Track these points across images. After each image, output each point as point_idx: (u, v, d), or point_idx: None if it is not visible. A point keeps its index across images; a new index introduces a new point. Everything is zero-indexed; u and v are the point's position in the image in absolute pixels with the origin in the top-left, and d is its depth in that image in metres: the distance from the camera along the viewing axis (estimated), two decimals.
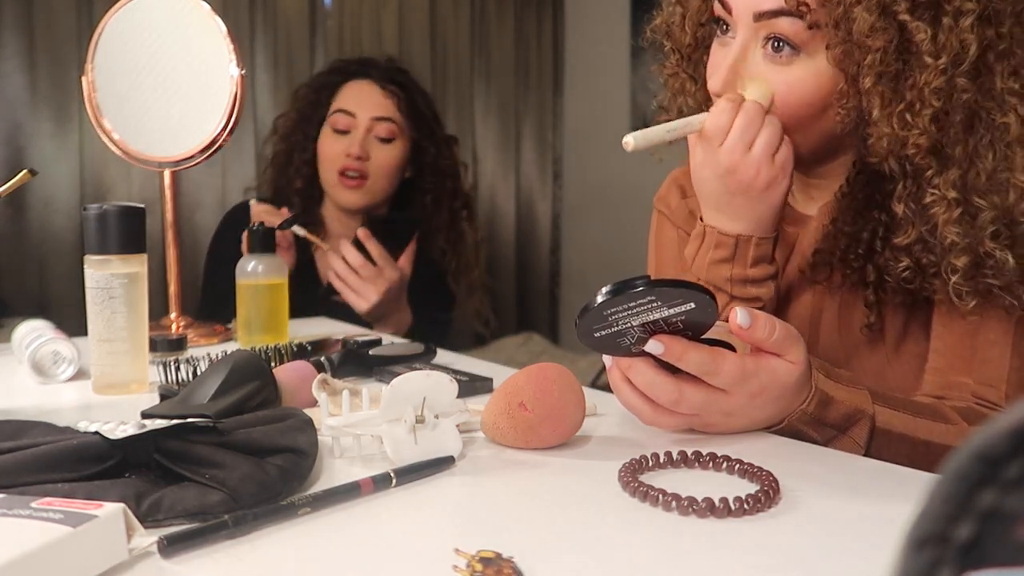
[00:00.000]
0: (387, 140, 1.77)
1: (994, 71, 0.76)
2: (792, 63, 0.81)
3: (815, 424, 0.71)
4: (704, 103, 0.95)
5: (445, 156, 1.87)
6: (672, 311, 0.63)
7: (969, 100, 0.75)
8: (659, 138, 0.83)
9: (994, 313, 0.80)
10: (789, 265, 0.93)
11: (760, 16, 0.80)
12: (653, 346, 0.65)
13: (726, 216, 0.84)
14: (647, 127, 0.84)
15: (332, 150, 1.76)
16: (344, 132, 1.76)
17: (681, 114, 0.97)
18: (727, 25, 0.85)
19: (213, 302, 1.60)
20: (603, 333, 0.65)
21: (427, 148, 1.83)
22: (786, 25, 0.79)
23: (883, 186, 0.83)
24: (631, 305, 0.62)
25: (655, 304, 0.62)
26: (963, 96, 0.75)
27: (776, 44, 0.81)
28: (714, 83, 0.85)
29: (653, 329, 0.65)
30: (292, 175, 1.81)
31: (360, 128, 1.75)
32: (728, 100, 0.81)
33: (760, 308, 0.85)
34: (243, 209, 1.89)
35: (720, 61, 0.84)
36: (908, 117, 0.76)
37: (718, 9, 0.85)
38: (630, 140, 0.82)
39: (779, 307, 0.93)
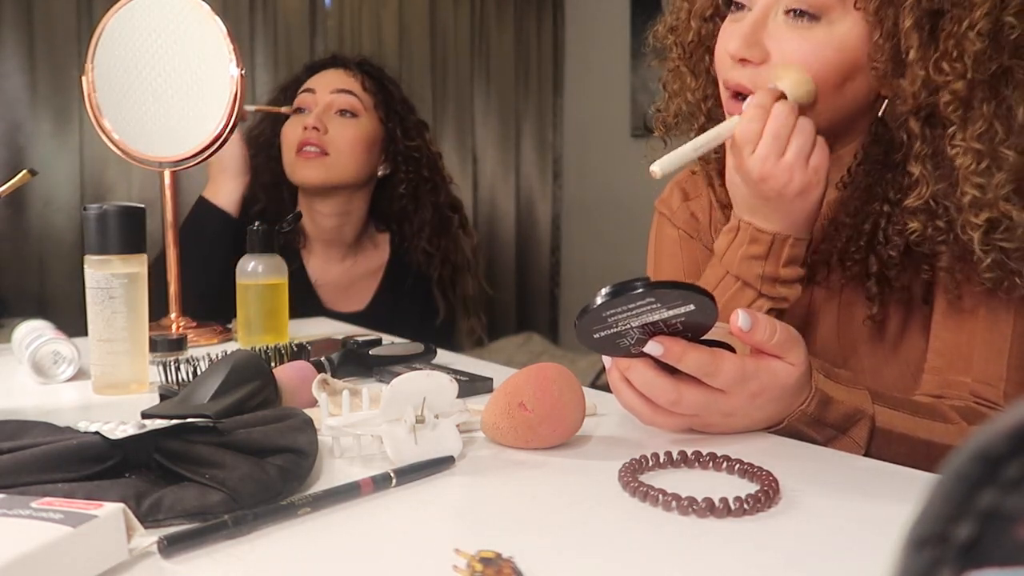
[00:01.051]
0: (348, 114, 1.66)
1: None
2: (810, 29, 0.81)
3: (815, 424, 0.71)
4: (703, 100, 0.94)
5: (413, 139, 1.73)
6: (671, 312, 0.63)
7: (1018, 39, 0.75)
8: (687, 158, 0.81)
9: (992, 310, 0.80)
10: None
11: None
12: (652, 347, 0.65)
13: (760, 217, 0.83)
14: (671, 149, 0.81)
15: (290, 129, 1.66)
16: (305, 111, 1.66)
17: (680, 113, 0.97)
18: (740, 4, 0.85)
19: (194, 301, 1.56)
20: (602, 334, 0.65)
21: (394, 131, 1.71)
22: None
23: (885, 174, 0.83)
24: (630, 307, 0.62)
25: (654, 306, 0.62)
26: (1011, 35, 0.74)
27: (796, 12, 0.81)
28: (734, 44, 0.83)
29: (652, 330, 0.65)
30: (259, 171, 1.69)
31: (320, 103, 1.65)
32: (757, 106, 0.80)
33: (784, 309, 0.84)
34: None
35: (735, 29, 0.84)
36: (945, 65, 0.75)
37: None
38: (656, 169, 0.80)
39: None
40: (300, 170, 1.65)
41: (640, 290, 0.61)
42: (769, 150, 0.79)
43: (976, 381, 0.80)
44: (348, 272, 1.74)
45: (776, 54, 0.82)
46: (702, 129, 0.96)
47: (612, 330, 0.64)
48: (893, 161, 0.83)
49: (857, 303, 0.88)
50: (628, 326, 0.64)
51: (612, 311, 0.63)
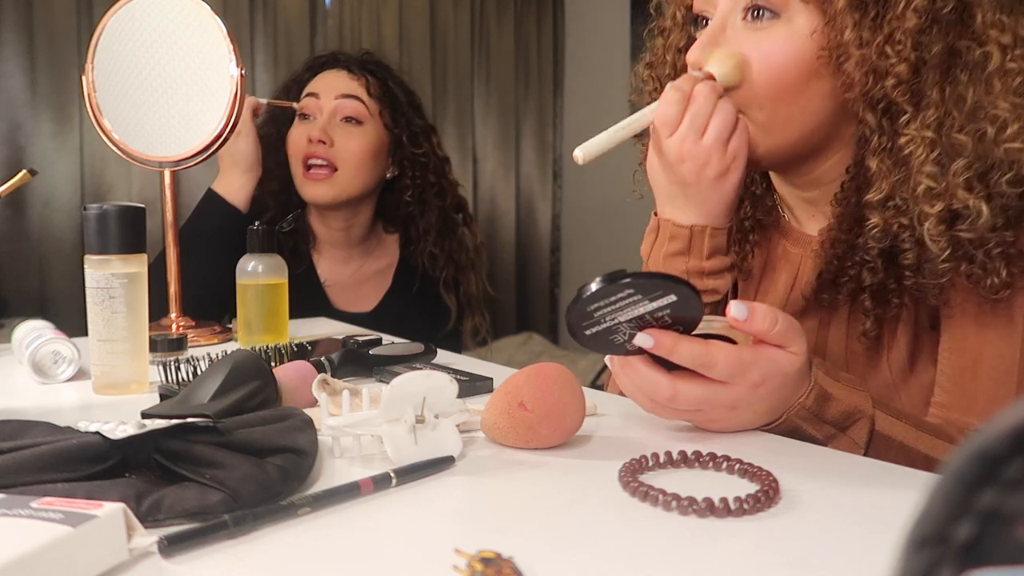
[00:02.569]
0: (355, 122, 1.63)
1: (975, 4, 0.75)
2: (770, 27, 0.80)
3: (814, 420, 0.71)
4: None
5: (420, 145, 1.70)
6: (656, 304, 0.63)
7: (951, 15, 0.74)
8: (610, 141, 0.81)
9: (997, 347, 0.78)
10: (793, 291, 0.92)
11: None
12: (643, 339, 0.65)
13: (679, 208, 0.84)
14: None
15: (296, 137, 1.64)
16: (309, 118, 1.64)
17: None
18: (706, 19, 0.85)
19: (193, 295, 1.54)
20: (594, 331, 0.65)
21: (400, 137, 1.68)
22: None
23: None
24: (612, 299, 0.62)
25: (636, 297, 0.62)
26: (944, 9, 0.74)
27: (756, 12, 0.80)
28: (693, 54, 0.83)
29: (642, 324, 0.65)
30: (266, 177, 1.67)
31: (324, 111, 1.62)
32: (676, 89, 0.80)
33: (717, 300, 0.85)
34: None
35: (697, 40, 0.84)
36: (888, 49, 0.75)
37: (698, 3, 0.85)
38: (579, 154, 0.81)
39: None
40: (309, 189, 1.64)
41: (620, 281, 0.61)
42: (688, 131, 0.79)
43: (981, 420, 0.79)
44: (357, 272, 1.74)
45: None
46: None
47: (602, 326, 0.64)
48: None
49: (859, 328, 0.87)
50: (616, 321, 0.64)
51: (597, 305, 0.63)
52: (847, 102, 0.81)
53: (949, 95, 0.75)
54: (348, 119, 1.63)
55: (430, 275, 1.74)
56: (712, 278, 0.84)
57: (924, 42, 0.74)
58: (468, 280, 1.79)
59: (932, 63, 0.75)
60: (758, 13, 0.80)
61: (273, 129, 1.71)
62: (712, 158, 0.80)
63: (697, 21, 0.87)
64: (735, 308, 0.66)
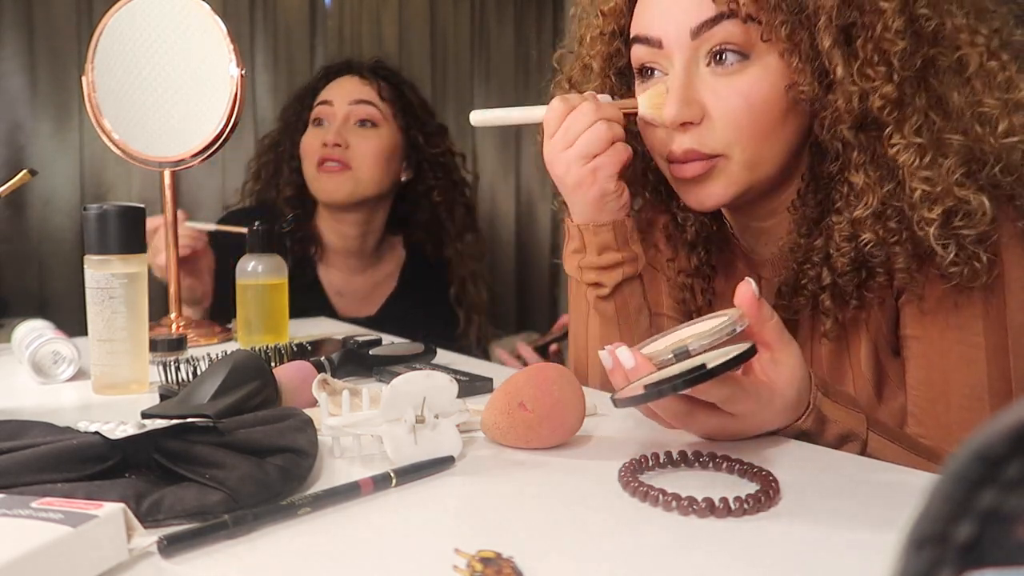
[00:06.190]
0: (369, 124, 1.65)
1: (944, 13, 0.77)
2: (742, 70, 0.79)
3: (808, 440, 0.71)
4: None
5: (437, 145, 1.73)
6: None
7: (937, 28, 0.76)
8: (505, 121, 0.93)
9: (963, 374, 0.78)
10: None
11: (699, 29, 0.79)
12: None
13: (570, 208, 0.90)
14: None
15: (310, 144, 1.66)
16: (324, 123, 1.67)
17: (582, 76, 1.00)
18: (651, 69, 0.85)
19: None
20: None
21: (416, 138, 1.71)
22: (729, 29, 0.78)
23: (831, 187, 0.82)
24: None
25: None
26: (929, 27, 0.76)
27: (719, 56, 0.80)
28: (672, 111, 0.81)
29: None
30: (282, 185, 1.71)
31: (338, 116, 1.65)
32: (563, 100, 0.85)
33: (606, 295, 0.89)
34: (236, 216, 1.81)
35: (668, 96, 0.82)
36: (869, 71, 0.76)
37: (640, 54, 0.85)
38: (473, 118, 0.92)
39: None
40: (324, 186, 1.65)
41: (697, 375, 0.60)
42: (559, 140, 0.85)
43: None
44: (369, 280, 1.75)
45: (713, 107, 0.80)
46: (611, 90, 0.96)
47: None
48: (833, 172, 0.82)
49: (833, 345, 0.86)
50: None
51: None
52: (810, 131, 0.82)
53: (928, 100, 0.76)
54: (362, 123, 1.65)
55: (444, 278, 1.75)
56: (605, 272, 0.89)
57: (906, 58, 0.76)
58: (479, 286, 1.81)
59: (911, 75, 0.76)
60: (721, 57, 0.80)
61: (286, 138, 1.73)
62: (571, 168, 0.85)
63: (643, 71, 0.86)
64: (752, 286, 0.67)
